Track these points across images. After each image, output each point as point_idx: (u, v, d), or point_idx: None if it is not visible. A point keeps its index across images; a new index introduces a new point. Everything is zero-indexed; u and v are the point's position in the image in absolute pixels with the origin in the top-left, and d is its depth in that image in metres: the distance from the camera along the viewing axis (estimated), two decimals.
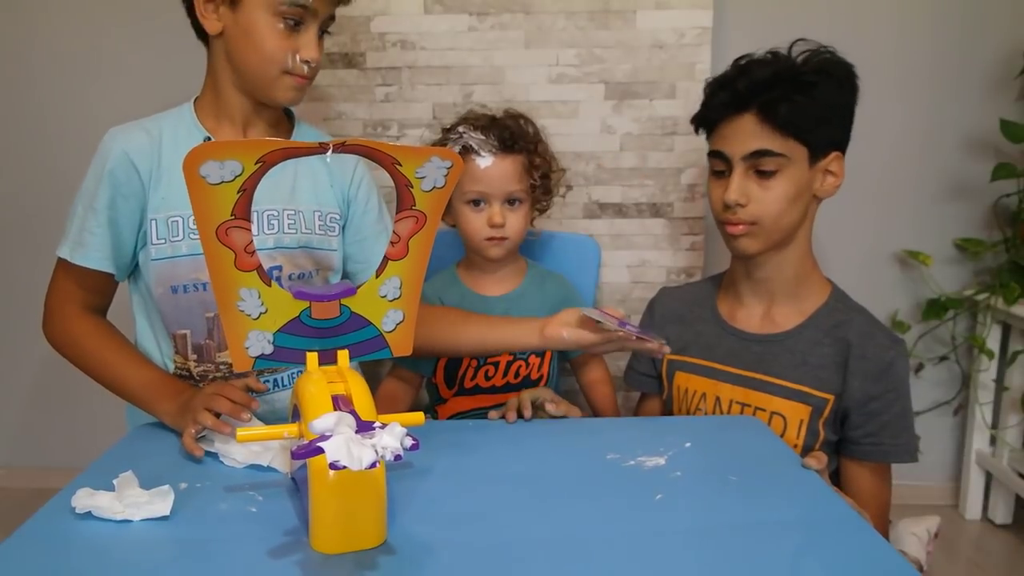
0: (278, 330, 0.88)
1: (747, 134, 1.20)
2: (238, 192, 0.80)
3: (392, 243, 0.90)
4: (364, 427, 0.72)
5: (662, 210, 1.84)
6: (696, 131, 1.34)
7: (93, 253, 1.17)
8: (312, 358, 0.89)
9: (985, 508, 2.14)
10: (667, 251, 1.87)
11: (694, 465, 0.98)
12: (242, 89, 1.20)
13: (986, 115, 1.98)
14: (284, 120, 1.30)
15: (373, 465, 0.68)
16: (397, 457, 0.70)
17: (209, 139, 1.21)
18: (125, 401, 1.30)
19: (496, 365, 1.39)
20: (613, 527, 0.84)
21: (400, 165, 0.83)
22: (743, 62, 1.25)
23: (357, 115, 1.84)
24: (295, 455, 0.69)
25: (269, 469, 0.97)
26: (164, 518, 0.84)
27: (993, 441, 2.10)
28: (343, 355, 0.89)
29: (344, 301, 0.89)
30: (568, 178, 1.62)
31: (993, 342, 2.02)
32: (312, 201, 1.27)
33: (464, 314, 1.31)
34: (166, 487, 0.86)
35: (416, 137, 1.84)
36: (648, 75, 1.79)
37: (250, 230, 0.83)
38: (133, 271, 1.24)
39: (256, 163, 0.78)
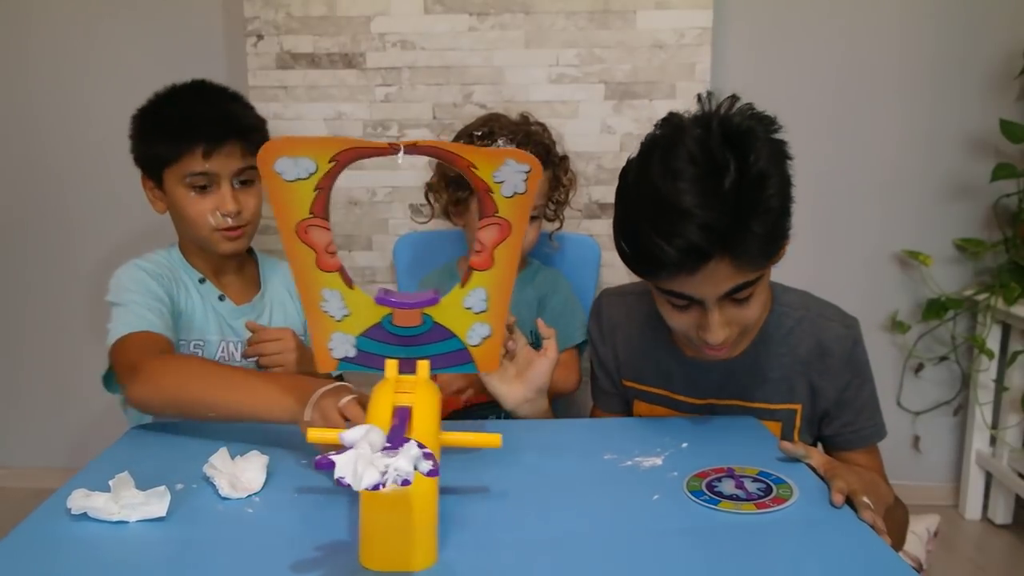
0: (361, 334, 0.87)
1: (719, 278, 0.97)
2: (315, 190, 0.79)
3: (476, 251, 0.85)
4: (390, 446, 0.67)
5: None
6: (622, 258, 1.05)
7: (157, 321, 1.20)
8: (391, 365, 0.85)
9: (985, 508, 2.14)
10: None
11: (691, 465, 0.97)
12: (199, 248, 1.34)
13: (986, 115, 1.97)
14: (249, 260, 1.43)
15: (375, 487, 0.64)
16: (405, 482, 0.65)
17: (203, 280, 1.35)
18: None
19: None
20: (610, 527, 0.84)
21: (476, 168, 0.79)
22: (682, 202, 0.92)
23: (357, 115, 1.84)
24: (316, 465, 0.66)
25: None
26: (160, 519, 0.84)
27: (993, 441, 2.09)
28: (423, 365, 0.86)
29: (427, 310, 0.86)
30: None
31: (993, 342, 2.02)
32: None
33: (223, 373, 1.12)
34: (162, 488, 0.86)
35: (416, 137, 1.84)
36: (648, 75, 1.79)
37: (329, 230, 0.82)
38: None
39: (329, 161, 0.78)
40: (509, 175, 0.79)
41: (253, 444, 0.98)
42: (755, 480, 0.93)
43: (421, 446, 0.66)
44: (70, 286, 2.19)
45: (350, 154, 0.78)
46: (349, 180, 1.86)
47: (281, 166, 0.77)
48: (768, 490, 0.91)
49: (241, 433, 1.05)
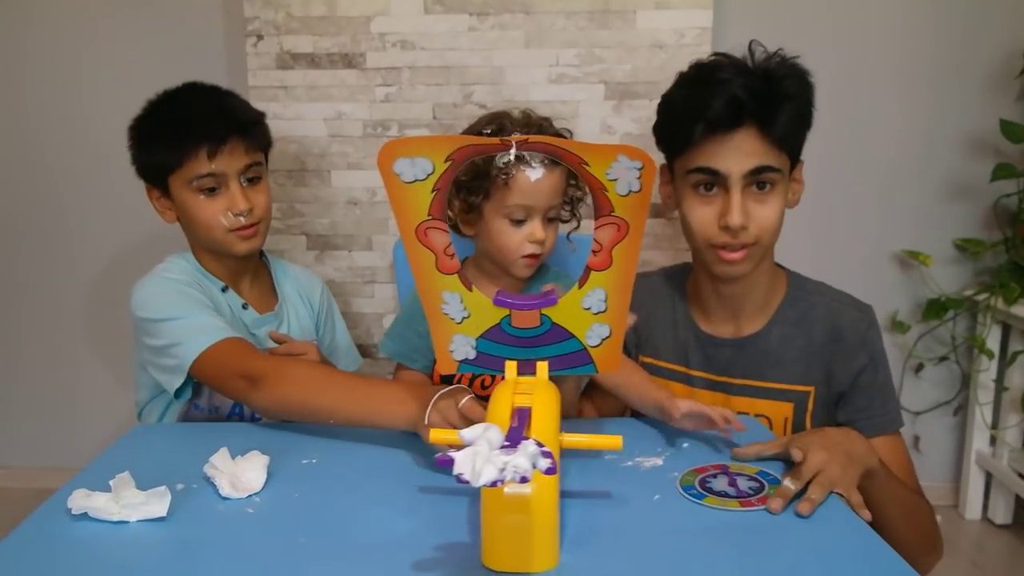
0: (480, 335, 0.87)
1: (747, 151, 1.10)
2: (432, 191, 0.79)
3: (594, 252, 0.84)
4: (508, 443, 0.67)
5: (662, 210, 1.84)
6: (660, 144, 1.22)
7: (227, 327, 1.19)
8: (511, 367, 0.87)
9: (985, 508, 2.14)
10: (667, 251, 1.86)
11: (691, 465, 0.97)
12: (214, 253, 1.32)
13: (986, 115, 1.97)
14: (262, 265, 1.43)
15: (493, 484, 0.63)
16: (523, 479, 0.64)
17: (226, 288, 1.33)
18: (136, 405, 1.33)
19: None
20: (610, 528, 0.84)
21: (588, 165, 0.78)
22: (723, 73, 1.12)
23: (357, 115, 1.84)
24: (437, 463, 0.65)
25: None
26: (160, 519, 0.84)
27: (993, 441, 2.09)
28: (542, 367, 0.87)
29: (545, 311, 0.86)
30: None
31: (993, 342, 2.02)
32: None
33: (344, 382, 1.13)
34: (162, 488, 0.86)
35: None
36: (648, 75, 1.79)
37: (448, 232, 0.83)
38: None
39: (445, 161, 0.77)
40: (622, 172, 0.78)
41: (253, 444, 0.98)
42: (751, 479, 0.94)
43: (540, 444, 0.66)
44: (69, 286, 2.19)
45: (465, 152, 0.78)
46: (349, 180, 1.87)
47: (399, 167, 0.77)
48: (760, 489, 0.91)
49: (241, 433, 1.05)
